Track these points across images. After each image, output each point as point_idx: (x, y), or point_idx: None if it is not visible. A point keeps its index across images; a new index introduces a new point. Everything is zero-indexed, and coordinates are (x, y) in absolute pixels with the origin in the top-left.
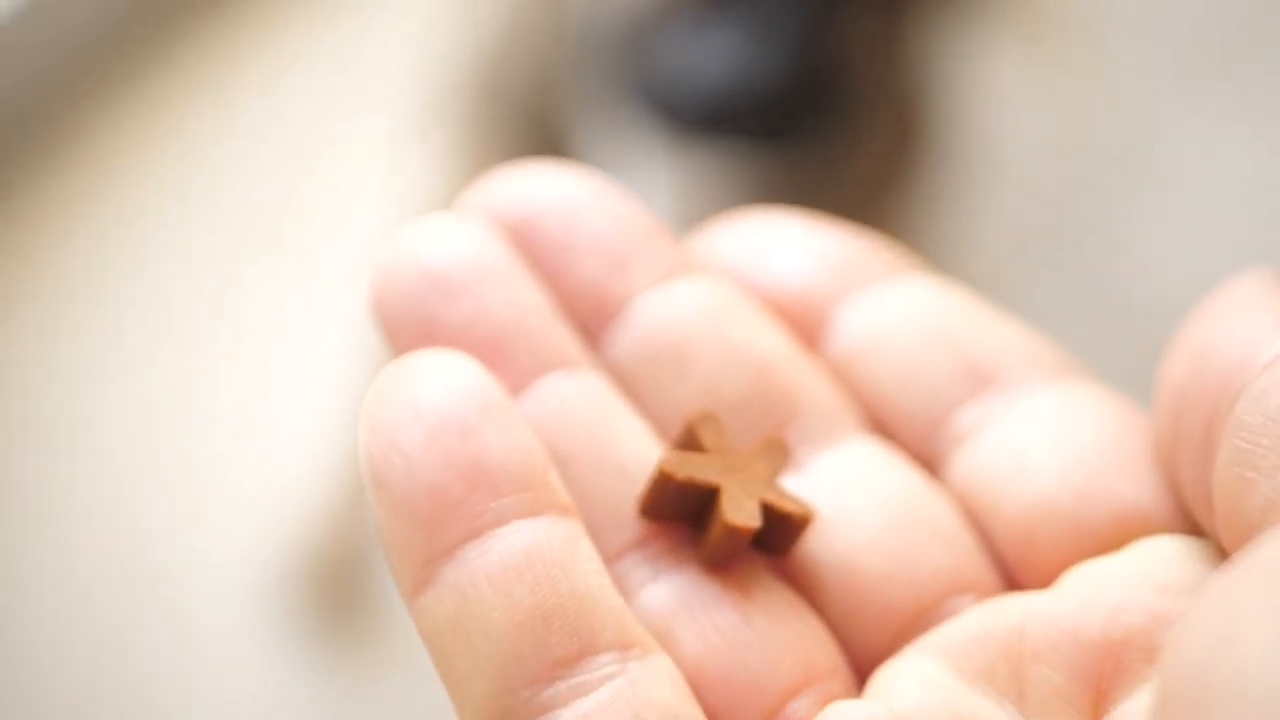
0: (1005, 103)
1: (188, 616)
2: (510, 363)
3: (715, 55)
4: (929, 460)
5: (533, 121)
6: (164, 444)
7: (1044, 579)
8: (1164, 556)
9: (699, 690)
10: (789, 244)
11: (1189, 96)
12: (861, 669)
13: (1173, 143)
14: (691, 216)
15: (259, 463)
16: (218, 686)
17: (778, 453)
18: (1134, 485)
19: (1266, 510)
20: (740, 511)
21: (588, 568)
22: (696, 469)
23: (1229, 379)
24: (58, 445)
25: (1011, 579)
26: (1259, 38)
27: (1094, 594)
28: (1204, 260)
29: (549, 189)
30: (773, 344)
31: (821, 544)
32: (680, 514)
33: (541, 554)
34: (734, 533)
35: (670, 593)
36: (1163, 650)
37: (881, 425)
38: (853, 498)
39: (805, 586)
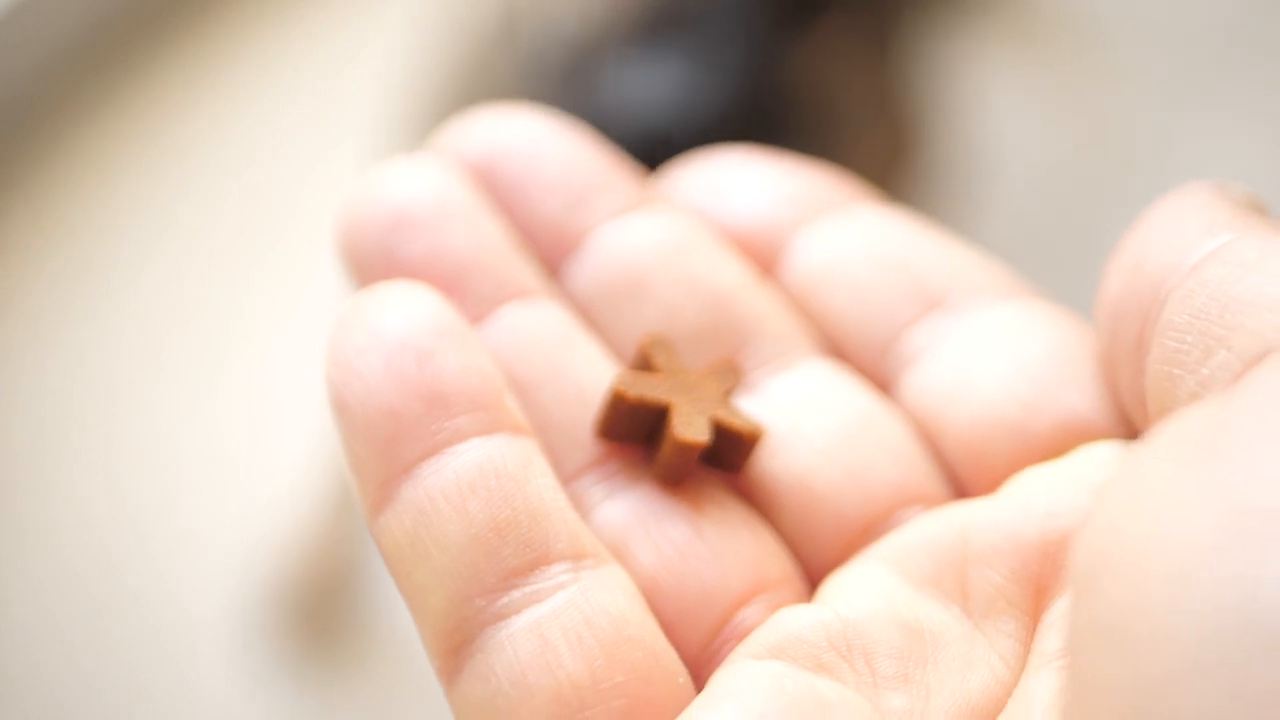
0: (1001, 110)
1: (170, 631)
2: (469, 293)
3: (653, 85)
4: (882, 380)
5: None
6: (150, 455)
7: (992, 488)
8: (1103, 461)
9: (652, 600)
10: (746, 180)
11: (1187, 101)
12: (814, 579)
13: (1171, 148)
14: None
15: (246, 475)
16: (198, 704)
17: (729, 373)
18: (1077, 394)
19: (1191, 404)
20: (690, 427)
21: (541, 483)
22: (648, 388)
23: (1159, 283)
24: (44, 452)
25: (962, 490)
26: (1258, 40)
27: (1033, 498)
28: None
29: (510, 130)
30: (728, 273)
31: (774, 460)
32: (635, 434)
33: (495, 469)
34: (684, 448)
35: (624, 509)
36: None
37: (836, 349)
38: (805, 416)
39: (759, 501)
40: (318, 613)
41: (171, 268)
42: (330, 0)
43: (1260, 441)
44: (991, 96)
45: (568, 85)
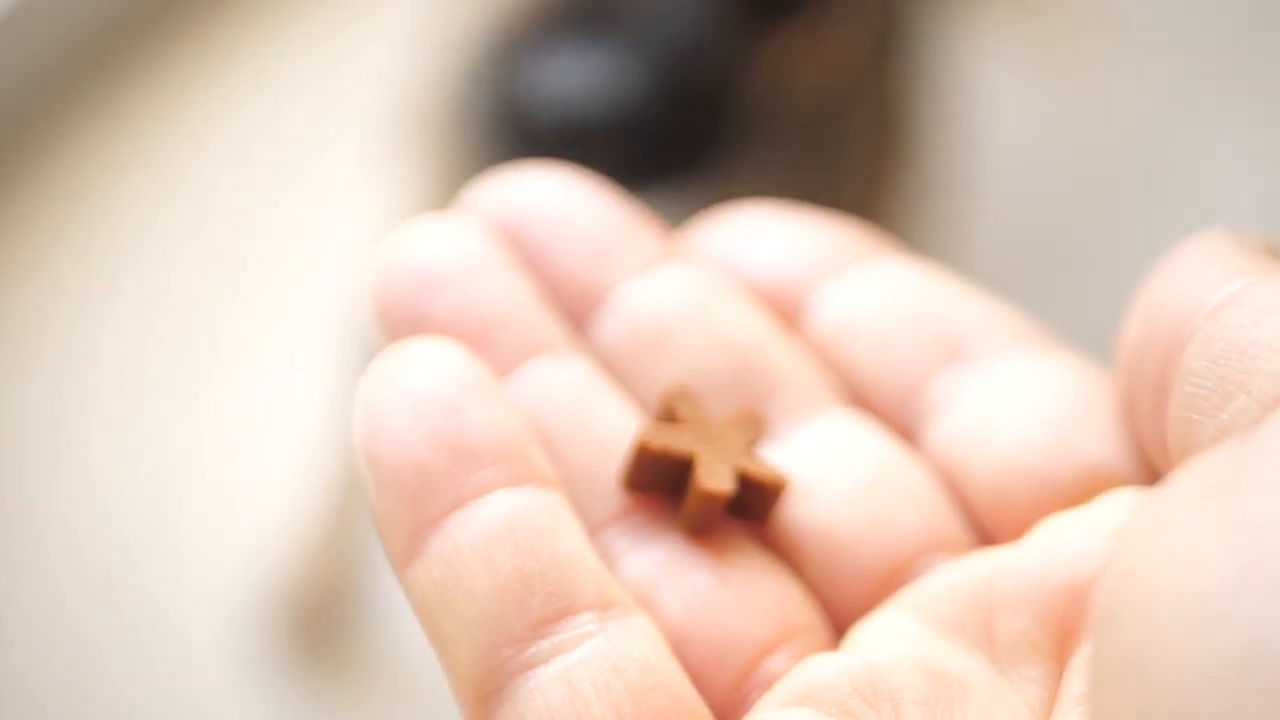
0: (998, 101)
1: (171, 638)
2: (496, 348)
3: (574, 76)
4: (906, 430)
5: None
6: (149, 458)
7: (1016, 535)
8: (1126, 507)
9: (678, 649)
10: (769, 234)
11: (1189, 94)
12: (840, 626)
13: (1170, 142)
14: None
15: (245, 478)
16: (199, 711)
17: (753, 424)
18: (1099, 441)
19: (1210, 449)
20: (714, 477)
21: (567, 534)
22: (672, 439)
23: (1178, 328)
24: (38, 463)
25: (986, 537)
26: (1260, 36)
27: (1058, 544)
28: None
29: (535, 188)
30: (751, 325)
31: (799, 509)
32: (660, 484)
33: (522, 521)
34: (709, 498)
35: (650, 559)
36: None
37: (860, 399)
38: (829, 465)
39: (784, 550)
40: (320, 622)
41: (168, 274)
42: (329, 1)
43: (1276, 486)
44: (990, 87)
45: (487, 75)
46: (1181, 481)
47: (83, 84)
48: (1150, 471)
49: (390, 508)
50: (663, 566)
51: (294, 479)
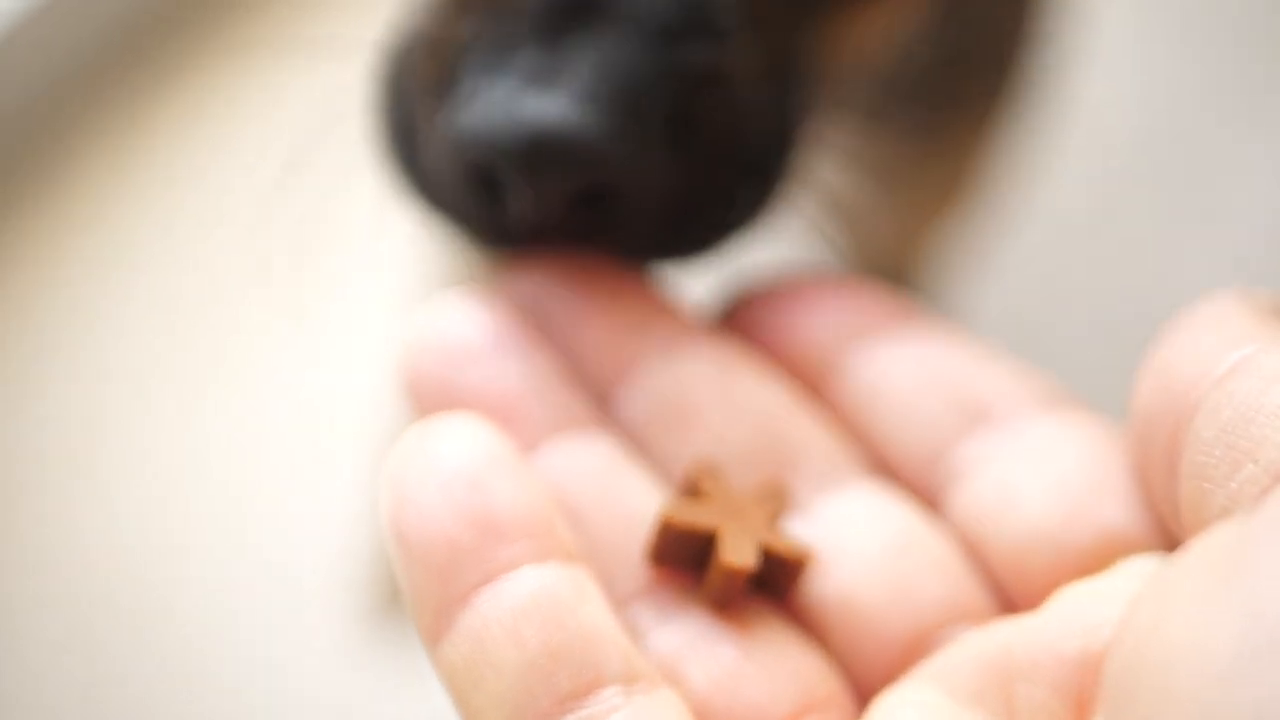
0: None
1: (179, 641)
2: (523, 424)
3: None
4: (928, 496)
5: None
6: (158, 464)
7: (1037, 601)
8: (1142, 574)
9: None
10: (794, 303)
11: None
12: (863, 697)
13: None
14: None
15: (254, 483)
16: (205, 712)
17: (776, 496)
18: (1116, 508)
19: (1222, 518)
20: (737, 552)
21: (593, 609)
22: (695, 514)
23: (1187, 394)
24: (51, 462)
25: (1008, 603)
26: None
27: (1074, 613)
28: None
29: (561, 268)
30: (775, 397)
31: (822, 580)
32: (685, 559)
33: (548, 596)
34: (732, 573)
35: (675, 634)
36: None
37: (883, 466)
38: (853, 536)
39: (808, 621)
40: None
41: (179, 280)
42: (332, 12)
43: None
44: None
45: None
46: (1190, 556)
47: (97, 89)
48: (1167, 535)
49: (419, 582)
50: (687, 640)
51: (301, 483)
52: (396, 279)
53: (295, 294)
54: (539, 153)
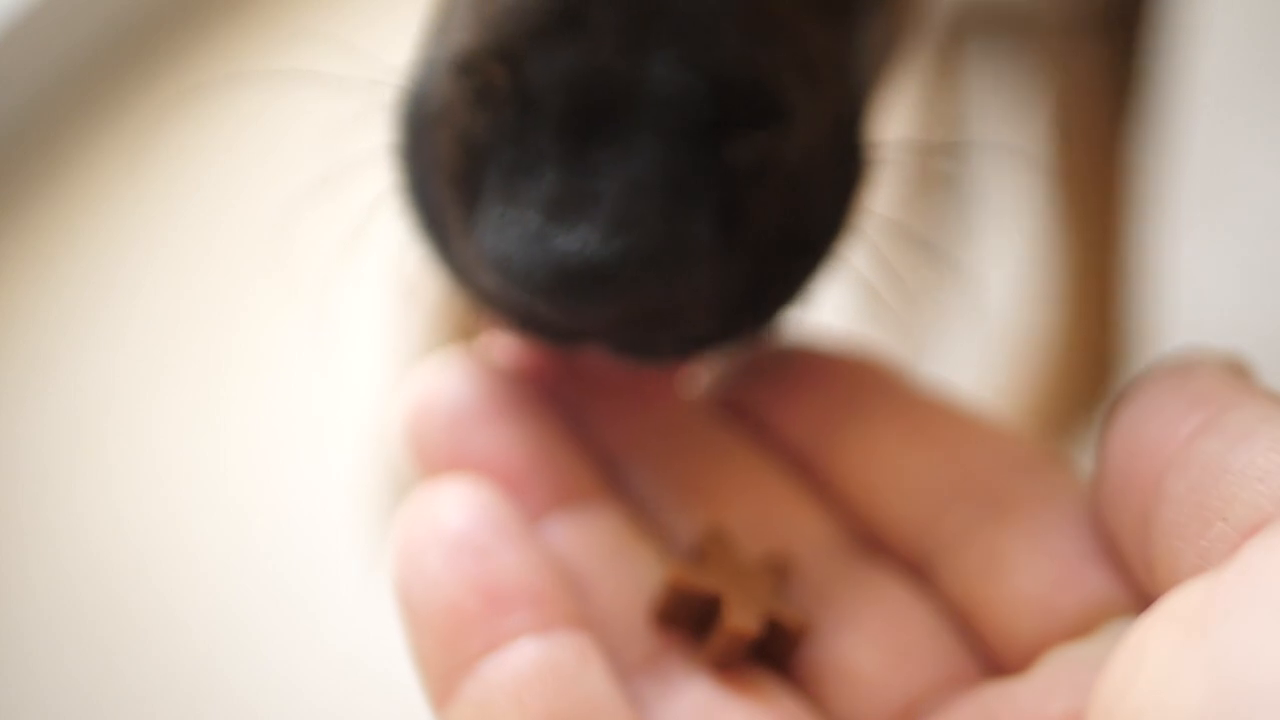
0: None
1: (183, 645)
2: (530, 491)
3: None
4: (920, 565)
5: None
6: (163, 470)
7: (1025, 665)
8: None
9: None
10: (793, 375)
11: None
12: None
13: None
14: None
15: (259, 487)
16: (211, 713)
17: (780, 566)
18: (1099, 572)
19: (1194, 575)
20: (742, 617)
21: (596, 677)
22: (701, 579)
23: (1154, 457)
24: (56, 468)
25: (997, 668)
26: None
27: (1058, 676)
28: None
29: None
30: (773, 473)
31: (821, 647)
32: (689, 620)
33: (552, 665)
34: (735, 638)
35: (680, 704)
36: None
37: (876, 537)
38: (850, 606)
39: (808, 687)
40: None
41: (183, 288)
42: (334, 15)
43: (1246, 621)
44: None
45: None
46: (1161, 612)
47: (97, 89)
48: (1147, 599)
49: (425, 648)
50: (691, 708)
51: (304, 484)
52: (398, 279)
53: (298, 294)
54: (572, 289)
